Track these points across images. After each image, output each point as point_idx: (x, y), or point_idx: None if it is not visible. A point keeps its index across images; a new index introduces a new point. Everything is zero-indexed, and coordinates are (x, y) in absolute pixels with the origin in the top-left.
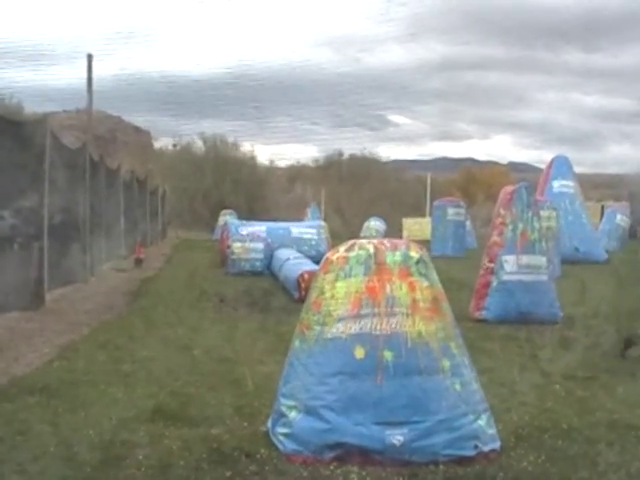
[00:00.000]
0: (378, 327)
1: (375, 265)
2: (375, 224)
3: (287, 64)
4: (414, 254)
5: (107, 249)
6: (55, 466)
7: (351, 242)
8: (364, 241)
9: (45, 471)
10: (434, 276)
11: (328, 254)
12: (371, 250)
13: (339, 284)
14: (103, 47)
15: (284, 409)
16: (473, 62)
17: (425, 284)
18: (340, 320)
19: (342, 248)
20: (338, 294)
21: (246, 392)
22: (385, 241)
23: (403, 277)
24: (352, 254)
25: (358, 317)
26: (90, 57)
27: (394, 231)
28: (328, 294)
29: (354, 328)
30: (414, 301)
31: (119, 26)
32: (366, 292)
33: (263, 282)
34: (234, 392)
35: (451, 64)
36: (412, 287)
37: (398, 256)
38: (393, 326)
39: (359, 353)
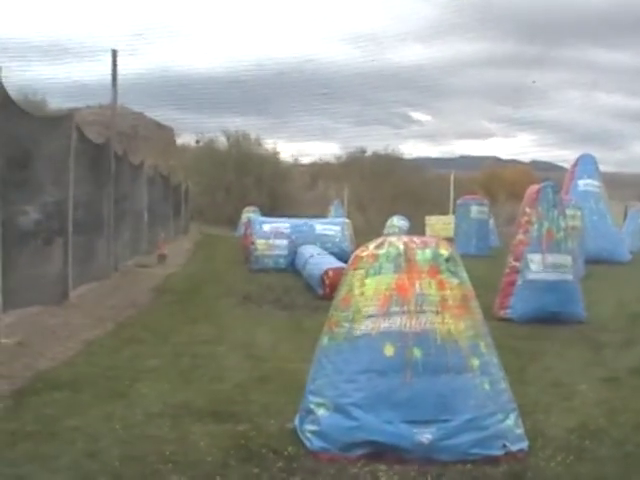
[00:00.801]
0: (407, 325)
1: (405, 263)
2: (398, 222)
3: (311, 61)
4: (444, 252)
5: (131, 245)
6: (82, 461)
7: (380, 239)
8: (394, 238)
9: (72, 466)
10: (464, 274)
11: (357, 251)
12: (401, 247)
13: (368, 281)
14: (127, 43)
15: (312, 406)
16: (496, 60)
17: (455, 282)
18: (369, 317)
19: (372, 245)
20: (367, 291)
21: (273, 389)
22: (415, 238)
23: (433, 275)
24: (382, 251)
25: (387, 314)
26: (115, 53)
27: (417, 229)
28: (357, 291)
29: (383, 325)
30: (443, 299)
31: (143, 22)
32: (396, 289)
33: (287, 279)
34: (261, 389)
35: (474, 62)
36: (442, 285)
37: (428, 254)
38: (422, 324)
39: (388, 350)
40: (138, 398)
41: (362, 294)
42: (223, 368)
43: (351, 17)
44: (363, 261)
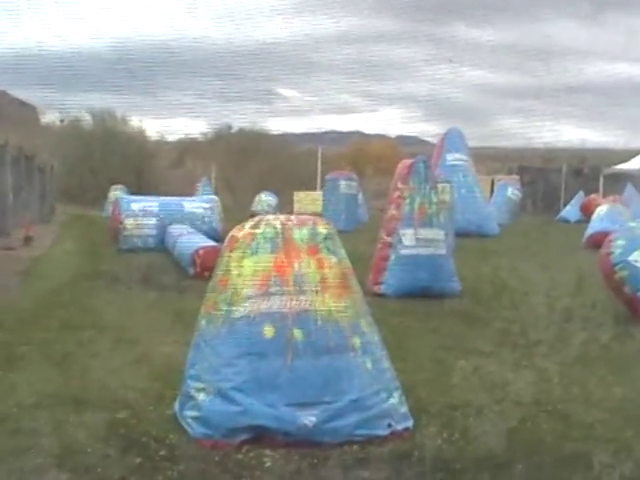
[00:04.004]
0: (287, 305)
1: (282, 242)
2: (266, 198)
3: (177, 37)
4: (322, 230)
5: None
6: None
7: (257, 218)
8: (270, 217)
9: None
10: (342, 252)
11: (233, 231)
12: (278, 226)
13: (246, 262)
14: None
15: (192, 392)
16: (362, 35)
17: (334, 260)
18: (248, 299)
19: (248, 225)
20: (245, 272)
21: (148, 374)
22: (292, 217)
23: (311, 254)
24: (259, 231)
25: (266, 295)
26: None
27: (285, 205)
28: (235, 272)
29: (262, 307)
30: (323, 278)
31: None
32: (274, 270)
33: (156, 259)
34: (135, 374)
35: (340, 37)
36: (321, 264)
37: (305, 232)
38: (302, 304)
39: (268, 332)
40: (9, 388)
41: (240, 275)
42: (95, 354)
43: None
44: (239, 241)
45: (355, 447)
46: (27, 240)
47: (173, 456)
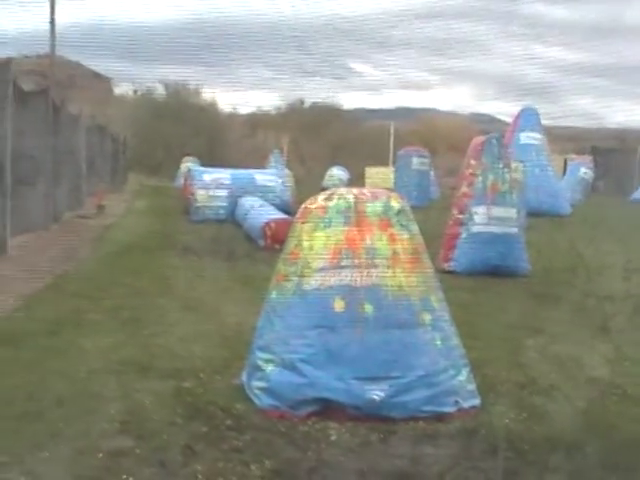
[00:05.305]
0: (358, 279)
1: (355, 215)
2: (338, 172)
3: (250, 10)
4: (395, 204)
5: (69, 196)
6: (24, 421)
7: (330, 191)
8: (343, 190)
9: (14, 428)
10: (415, 227)
11: (306, 203)
12: (351, 200)
13: (318, 234)
14: None
15: (260, 362)
16: (437, 12)
17: (406, 235)
18: (319, 271)
19: (320, 197)
20: (317, 245)
21: (217, 343)
22: (365, 190)
23: (383, 228)
24: (331, 203)
25: (337, 268)
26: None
27: (356, 180)
28: (306, 244)
29: (333, 280)
30: (394, 253)
31: None
32: (346, 243)
33: (227, 230)
34: (204, 343)
35: (416, 14)
36: (392, 238)
37: (379, 206)
38: (373, 278)
39: (339, 305)
40: (80, 354)
41: (311, 247)
42: (165, 322)
43: None
44: (312, 214)
45: (421, 423)
46: (100, 209)
47: (239, 426)
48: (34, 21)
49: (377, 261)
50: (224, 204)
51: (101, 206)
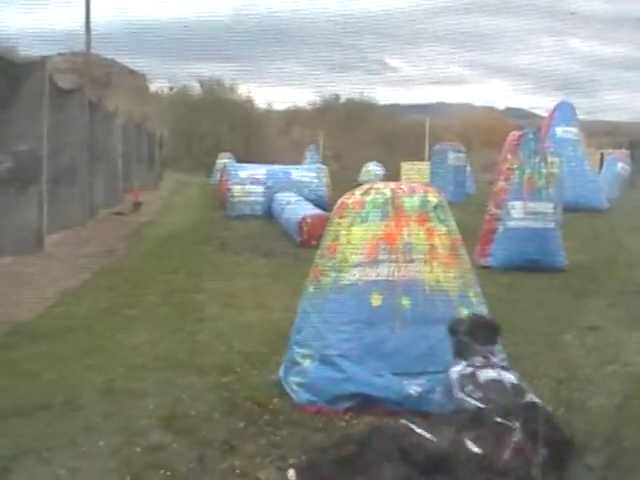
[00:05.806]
0: (395, 274)
1: (392, 210)
2: (374, 168)
3: (284, 6)
4: (432, 199)
5: (105, 192)
6: (63, 416)
7: (367, 185)
8: (380, 185)
9: (52, 421)
10: (452, 222)
11: (343, 198)
12: (388, 194)
13: (355, 229)
14: None
15: (298, 358)
16: (473, 6)
17: (443, 230)
18: (356, 266)
19: (358, 192)
20: (354, 239)
21: (255, 339)
22: (402, 185)
23: (421, 222)
24: (368, 198)
25: (375, 263)
26: None
27: (392, 175)
28: (344, 239)
29: (371, 274)
30: (432, 247)
31: None
32: (383, 237)
33: (264, 226)
34: (242, 338)
35: (451, 8)
36: (430, 233)
37: (416, 201)
38: (411, 273)
39: (376, 300)
40: (118, 350)
41: (348, 242)
42: (203, 318)
43: None
44: (349, 208)
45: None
46: (136, 206)
47: (277, 421)
48: (69, 19)
49: (415, 256)
50: (260, 199)
51: (137, 203)
